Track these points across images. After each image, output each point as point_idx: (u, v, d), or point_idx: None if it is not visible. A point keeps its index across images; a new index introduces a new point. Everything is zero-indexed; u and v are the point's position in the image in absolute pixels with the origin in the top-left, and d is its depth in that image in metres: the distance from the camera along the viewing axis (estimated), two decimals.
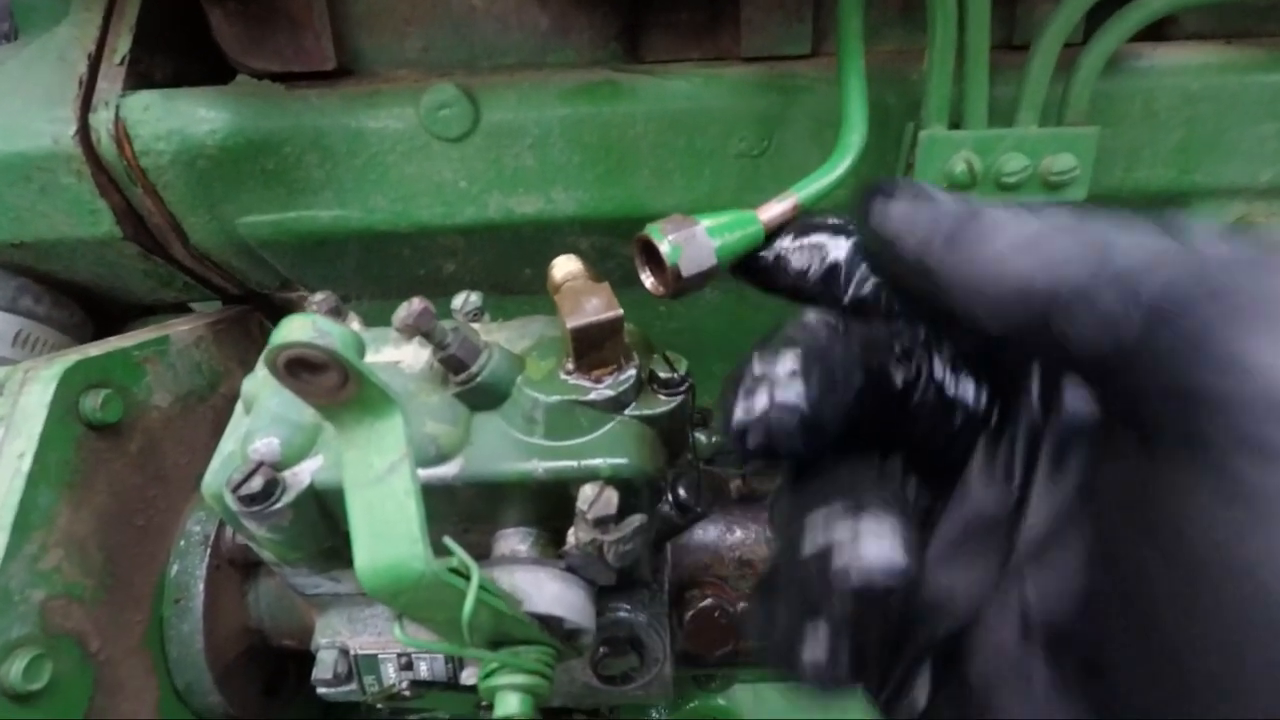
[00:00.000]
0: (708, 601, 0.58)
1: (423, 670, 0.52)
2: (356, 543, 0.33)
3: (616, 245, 0.71)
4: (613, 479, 0.43)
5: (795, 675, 0.25)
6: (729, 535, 0.61)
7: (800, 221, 0.35)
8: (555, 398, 0.44)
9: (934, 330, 0.28)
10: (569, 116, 0.64)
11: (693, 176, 0.66)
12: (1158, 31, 0.64)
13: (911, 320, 0.29)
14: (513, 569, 0.44)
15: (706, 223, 0.36)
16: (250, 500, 0.41)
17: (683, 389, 0.46)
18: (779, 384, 0.25)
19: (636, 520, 0.43)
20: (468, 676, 0.46)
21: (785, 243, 0.34)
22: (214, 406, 0.66)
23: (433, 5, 0.65)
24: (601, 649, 0.54)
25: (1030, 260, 0.21)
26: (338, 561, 0.48)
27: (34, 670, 0.46)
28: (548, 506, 0.45)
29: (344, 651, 0.53)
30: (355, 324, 0.53)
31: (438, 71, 0.66)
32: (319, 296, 0.51)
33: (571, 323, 0.42)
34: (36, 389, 0.51)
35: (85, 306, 0.76)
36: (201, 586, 0.58)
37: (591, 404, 0.44)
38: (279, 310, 0.80)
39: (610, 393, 0.44)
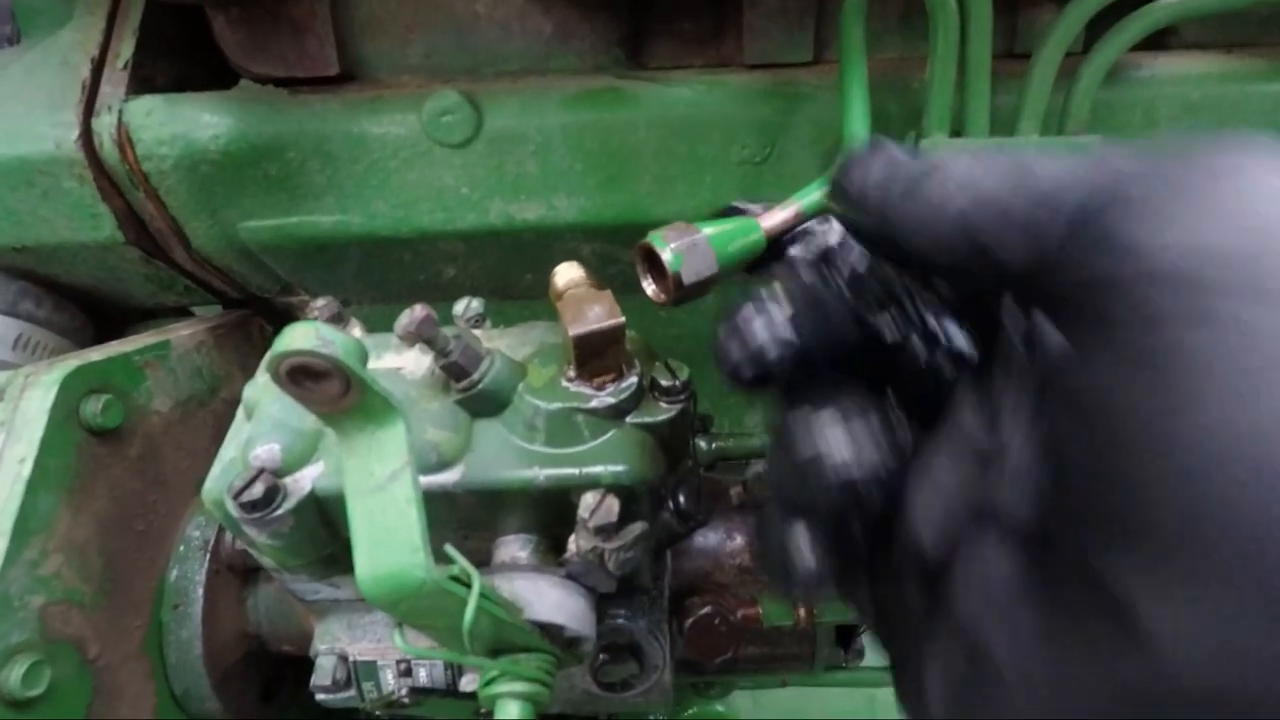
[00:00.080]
0: (708, 609, 0.58)
1: (422, 677, 0.52)
2: (357, 551, 0.33)
3: (618, 252, 0.71)
4: (614, 487, 0.43)
5: (786, 581, 0.28)
6: (729, 542, 0.61)
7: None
8: (557, 405, 0.44)
9: (918, 282, 0.30)
10: (571, 123, 0.64)
11: (694, 183, 0.66)
12: (1158, 41, 0.64)
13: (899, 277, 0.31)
14: (513, 576, 0.44)
15: (709, 230, 0.36)
16: (251, 507, 0.41)
17: (684, 396, 0.46)
18: (771, 315, 0.28)
19: (638, 528, 0.43)
20: (467, 683, 0.46)
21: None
22: (214, 411, 0.66)
23: (436, 11, 0.65)
24: (601, 656, 0.54)
25: (966, 196, 0.24)
26: (337, 568, 0.48)
27: (33, 676, 0.46)
28: (548, 514, 0.45)
29: (343, 658, 0.52)
30: (357, 330, 0.53)
31: (440, 77, 0.66)
32: (320, 302, 0.51)
33: (574, 330, 0.42)
34: (37, 394, 0.51)
35: (86, 310, 0.76)
36: (201, 592, 0.57)
37: (593, 411, 0.44)
38: (280, 314, 0.80)
39: (612, 400, 0.44)
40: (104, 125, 0.62)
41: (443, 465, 0.44)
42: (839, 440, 0.27)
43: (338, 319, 0.51)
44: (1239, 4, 0.58)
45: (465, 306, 0.54)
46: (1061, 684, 0.20)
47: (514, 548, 0.47)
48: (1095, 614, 0.19)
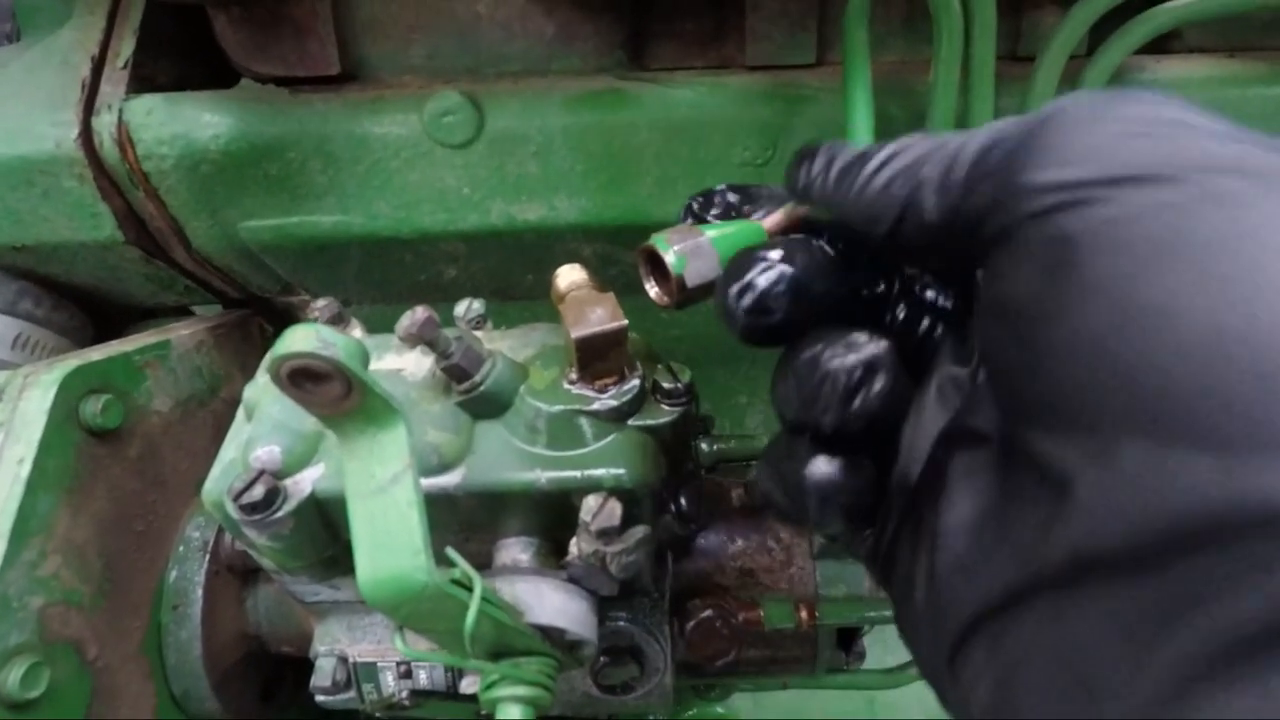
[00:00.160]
0: (709, 611, 0.58)
1: (422, 679, 0.51)
2: (358, 554, 0.33)
3: (619, 253, 0.71)
4: (616, 490, 0.43)
5: (800, 498, 0.29)
6: (730, 545, 0.61)
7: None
8: (558, 407, 0.44)
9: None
10: (573, 124, 0.64)
11: (696, 185, 0.66)
12: (1161, 45, 0.64)
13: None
14: (514, 579, 0.44)
15: (711, 233, 0.36)
16: (251, 509, 0.41)
17: (686, 399, 0.46)
18: (768, 260, 0.30)
19: (640, 531, 0.43)
20: (467, 685, 0.46)
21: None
22: (214, 411, 0.66)
23: (437, 12, 0.65)
24: (602, 658, 0.54)
25: (888, 172, 0.27)
26: (338, 570, 0.47)
27: (31, 678, 0.46)
28: (550, 517, 0.45)
29: (343, 659, 0.52)
30: (358, 331, 0.53)
31: (442, 78, 0.66)
32: (321, 303, 0.51)
33: (576, 332, 0.42)
34: (36, 394, 0.51)
35: (85, 309, 0.76)
36: (200, 593, 0.57)
37: (595, 414, 0.44)
38: (280, 314, 0.80)
39: (614, 403, 0.44)
40: (104, 124, 0.62)
41: (444, 467, 0.44)
42: (850, 358, 0.29)
43: (338, 319, 0.51)
44: (1242, 8, 0.58)
45: (466, 308, 0.53)
46: (1012, 554, 0.22)
47: (515, 550, 0.47)
48: (1039, 492, 0.22)
